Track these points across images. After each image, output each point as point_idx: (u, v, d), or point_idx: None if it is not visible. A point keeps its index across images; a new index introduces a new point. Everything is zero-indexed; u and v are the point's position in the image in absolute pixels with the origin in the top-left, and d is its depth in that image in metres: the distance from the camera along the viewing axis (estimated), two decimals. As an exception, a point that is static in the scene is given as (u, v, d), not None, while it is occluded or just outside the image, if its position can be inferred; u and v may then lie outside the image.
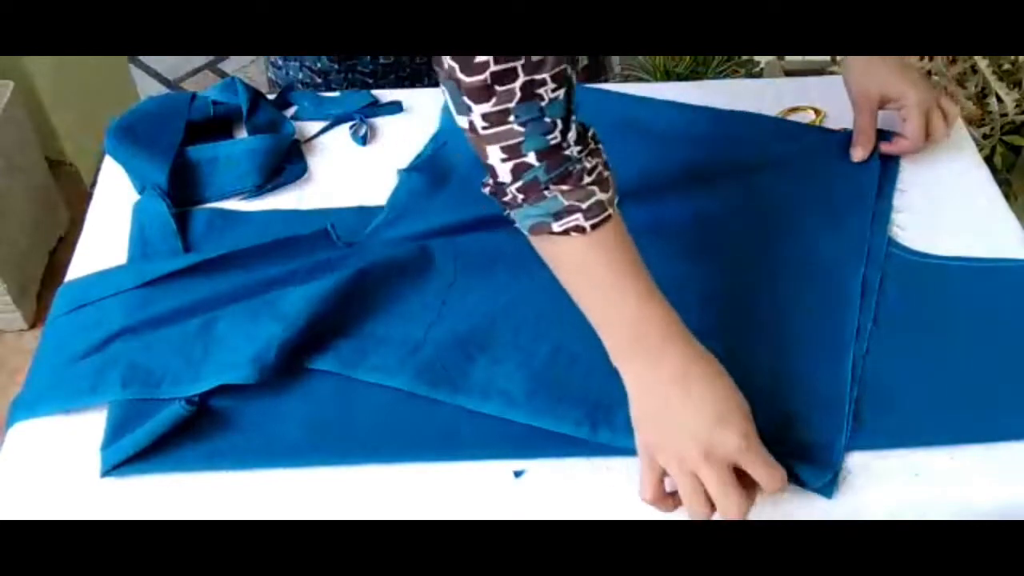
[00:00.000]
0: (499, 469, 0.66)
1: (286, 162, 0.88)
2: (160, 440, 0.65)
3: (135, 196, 0.84)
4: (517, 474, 0.66)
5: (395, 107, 0.94)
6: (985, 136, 1.40)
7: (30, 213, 1.68)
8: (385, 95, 0.95)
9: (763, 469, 0.60)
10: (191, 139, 0.87)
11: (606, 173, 0.63)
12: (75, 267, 0.79)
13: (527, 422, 0.67)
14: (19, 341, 1.67)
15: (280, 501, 0.64)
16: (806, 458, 0.65)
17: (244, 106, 0.90)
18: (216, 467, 0.66)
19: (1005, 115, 1.39)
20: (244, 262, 0.78)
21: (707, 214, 0.82)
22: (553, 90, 0.59)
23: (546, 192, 0.60)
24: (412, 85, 1.01)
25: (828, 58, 1.55)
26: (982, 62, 1.39)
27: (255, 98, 0.91)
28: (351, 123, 0.92)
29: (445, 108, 0.91)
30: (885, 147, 0.87)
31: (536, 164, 0.60)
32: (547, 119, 0.59)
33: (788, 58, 1.64)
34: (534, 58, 0.57)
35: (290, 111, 0.94)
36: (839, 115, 0.93)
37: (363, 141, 0.91)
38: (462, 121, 0.60)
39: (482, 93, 0.58)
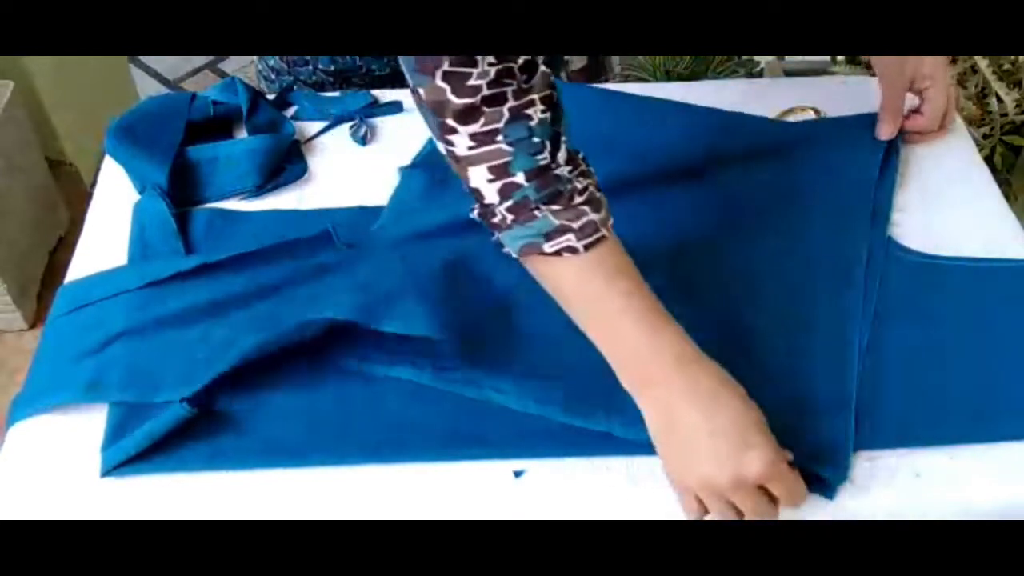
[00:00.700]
0: (499, 469, 0.66)
1: (286, 162, 0.88)
2: (160, 440, 0.65)
3: (135, 196, 0.84)
4: (517, 474, 0.66)
5: (395, 107, 0.94)
6: (985, 136, 1.39)
7: (30, 213, 1.68)
8: (385, 95, 0.95)
9: (788, 486, 0.60)
10: (191, 139, 0.87)
11: (598, 194, 0.62)
12: (75, 267, 0.79)
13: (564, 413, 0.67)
14: (19, 341, 1.67)
15: (280, 501, 0.64)
16: (822, 458, 0.65)
17: (244, 106, 0.90)
18: (216, 467, 0.66)
19: (1005, 115, 1.39)
20: (245, 265, 0.77)
21: (707, 210, 0.82)
22: (542, 111, 0.58)
23: (536, 212, 0.59)
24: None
25: (828, 58, 1.54)
26: (982, 62, 1.39)
27: (255, 98, 0.91)
28: (351, 123, 0.92)
29: None
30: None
31: (525, 184, 0.59)
32: (536, 139, 0.59)
33: (788, 58, 1.63)
34: (524, 84, 0.57)
35: (290, 111, 0.94)
36: (839, 115, 0.93)
37: (363, 141, 0.91)
38: (443, 147, 0.60)
39: (471, 114, 0.57)
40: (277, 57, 1.00)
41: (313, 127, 0.92)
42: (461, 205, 0.81)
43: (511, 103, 0.57)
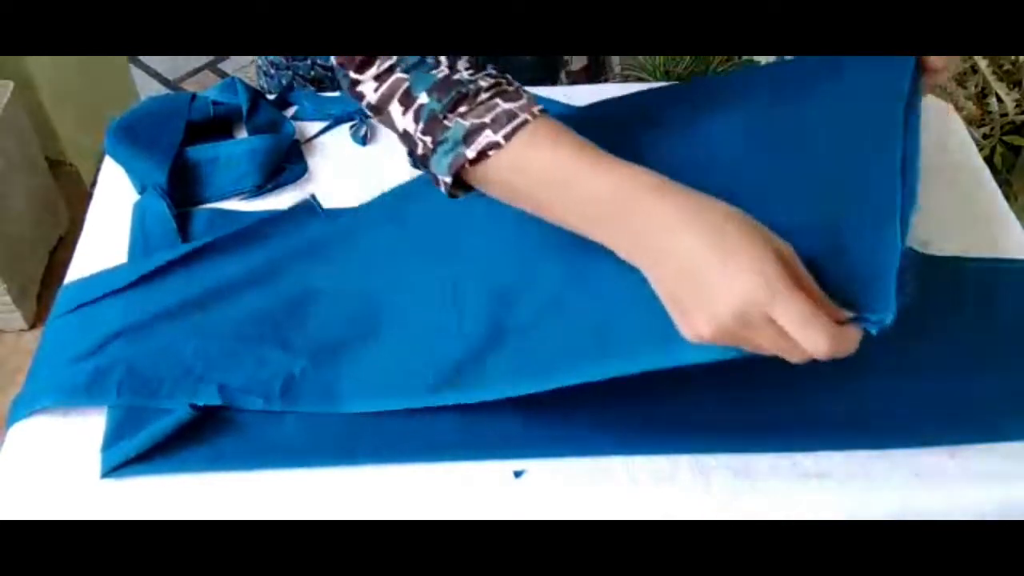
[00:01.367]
0: (499, 469, 0.66)
1: (286, 162, 0.88)
2: (160, 441, 0.65)
3: (135, 196, 0.84)
4: (517, 474, 0.66)
5: (395, 107, 0.94)
6: (985, 136, 1.39)
7: (30, 213, 1.68)
8: (385, 95, 0.95)
9: (794, 314, 0.49)
10: (191, 139, 0.87)
11: (511, 87, 0.59)
12: (75, 267, 0.79)
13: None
14: (19, 341, 1.67)
15: (280, 501, 0.64)
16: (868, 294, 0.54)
17: (244, 106, 0.90)
18: (216, 467, 0.65)
19: (1005, 115, 1.39)
20: (235, 248, 0.78)
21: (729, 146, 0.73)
22: None
23: (447, 122, 0.58)
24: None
25: (828, 58, 1.54)
26: (982, 62, 1.39)
27: (255, 98, 0.91)
28: (351, 123, 0.92)
29: None
30: None
31: (428, 100, 0.59)
32: (429, 59, 0.59)
33: (788, 58, 1.63)
34: None
35: (290, 111, 0.94)
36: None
37: (363, 141, 0.91)
38: (364, 105, 0.62)
39: (368, 61, 0.60)
40: (275, 53, 1.00)
41: (313, 127, 0.92)
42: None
43: None
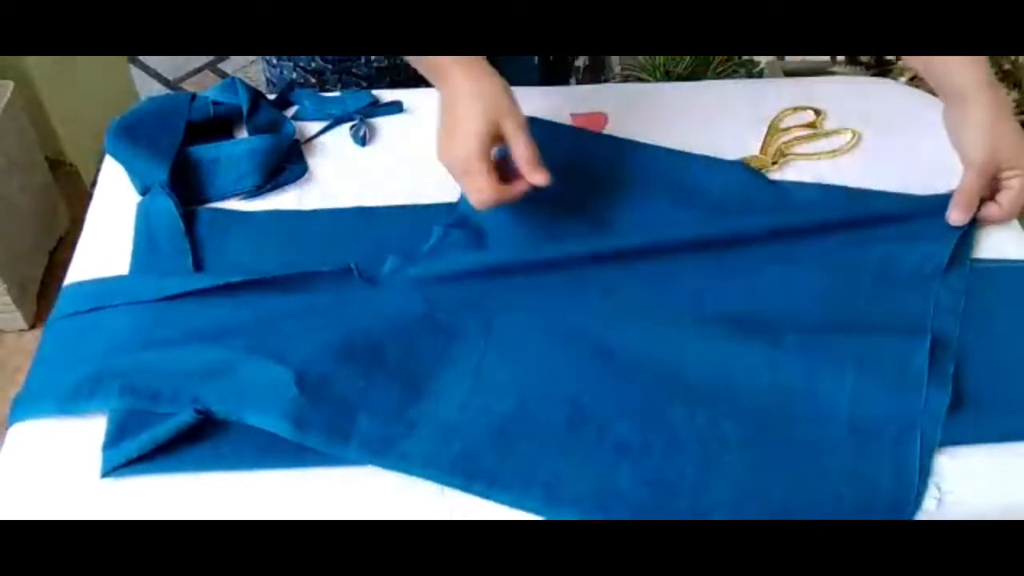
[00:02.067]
0: (499, 469, 0.66)
1: (286, 162, 0.88)
2: (162, 442, 0.65)
3: (135, 196, 0.84)
4: (517, 474, 0.66)
5: (395, 107, 0.94)
6: (985, 136, 1.39)
7: (30, 213, 1.68)
8: (385, 95, 0.95)
9: (471, 185, 0.73)
10: (191, 139, 0.86)
11: None
12: (75, 267, 0.79)
13: (574, 518, 0.63)
14: (19, 341, 1.67)
15: (280, 501, 0.64)
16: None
17: (244, 106, 0.90)
18: (216, 468, 0.65)
19: (1005, 115, 1.39)
20: (263, 290, 0.75)
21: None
22: None
23: None
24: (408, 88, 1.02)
25: (828, 58, 1.55)
26: (982, 62, 1.39)
27: (255, 98, 0.91)
28: (351, 123, 0.92)
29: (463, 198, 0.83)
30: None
31: None
32: None
33: (788, 58, 1.64)
34: None
35: (290, 111, 0.94)
36: (839, 115, 0.93)
37: (363, 141, 0.91)
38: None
39: None
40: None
41: (313, 127, 0.92)
42: (487, 254, 0.79)
43: None
